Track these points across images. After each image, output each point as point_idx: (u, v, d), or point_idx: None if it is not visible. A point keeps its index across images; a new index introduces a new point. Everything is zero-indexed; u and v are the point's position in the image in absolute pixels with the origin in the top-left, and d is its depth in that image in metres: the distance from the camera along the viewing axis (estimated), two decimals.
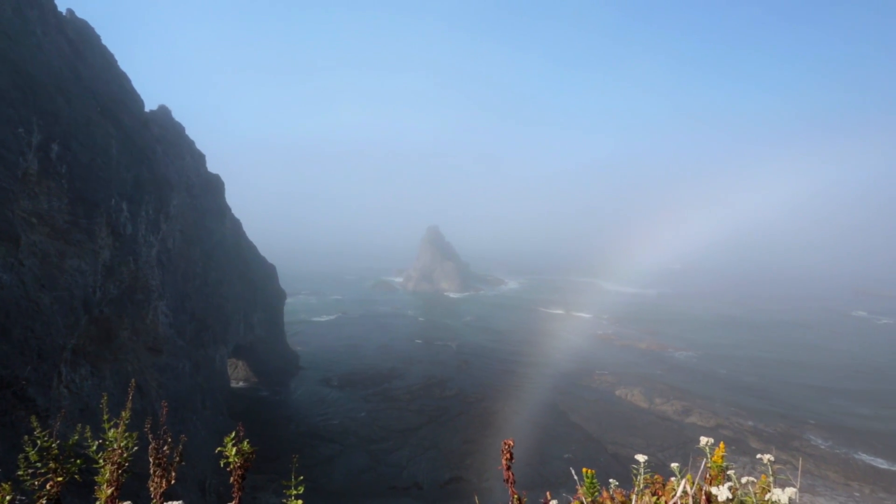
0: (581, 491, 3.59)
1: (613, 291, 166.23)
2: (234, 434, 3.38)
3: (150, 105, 49.03)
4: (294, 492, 3.72)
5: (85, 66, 33.08)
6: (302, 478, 3.86)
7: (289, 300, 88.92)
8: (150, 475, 3.30)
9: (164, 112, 53.69)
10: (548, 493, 4.02)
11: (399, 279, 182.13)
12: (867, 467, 45.82)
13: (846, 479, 43.41)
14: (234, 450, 3.34)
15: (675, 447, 48.85)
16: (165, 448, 3.39)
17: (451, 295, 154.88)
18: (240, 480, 3.46)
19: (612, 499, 3.56)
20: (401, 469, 45.02)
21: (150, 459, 3.32)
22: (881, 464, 46.74)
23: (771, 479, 3.08)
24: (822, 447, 49.81)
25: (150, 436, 3.43)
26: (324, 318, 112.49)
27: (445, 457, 47.12)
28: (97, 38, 40.03)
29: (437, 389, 64.93)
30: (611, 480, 4.33)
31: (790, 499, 2.76)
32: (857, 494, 41.11)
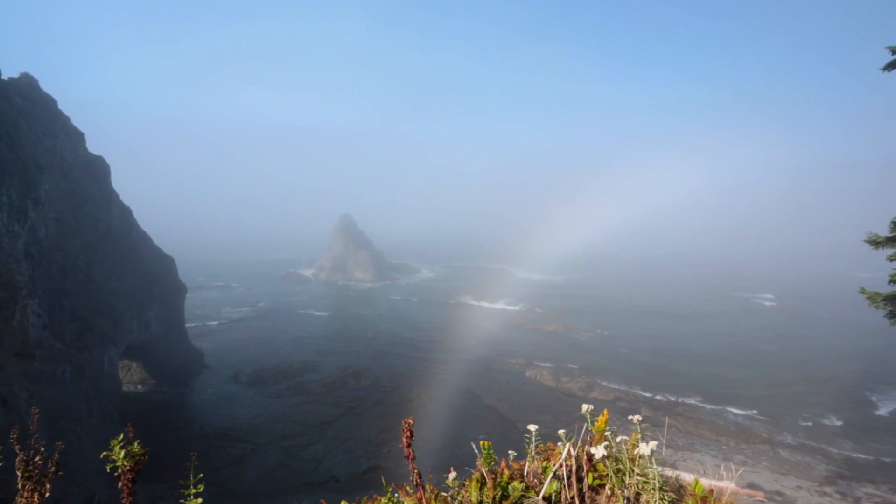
0: (479, 462, 3.87)
1: (524, 278, 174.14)
2: (122, 436, 3.19)
3: (9, 72, 42.33)
4: (193, 490, 3.61)
5: None
6: (202, 475, 3.75)
7: (191, 295, 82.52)
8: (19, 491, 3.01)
9: (28, 81, 46.64)
10: (451, 468, 4.27)
11: (311, 270, 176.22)
12: (733, 425, 52.85)
13: (717, 436, 49.80)
14: (123, 453, 3.15)
15: (580, 420, 52.89)
16: (38, 459, 3.11)
17: (366, 285, 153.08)
18: (129, 485, 3.27)
19: (509, 467, 3.89)
20: (317, 463, 44.12)
21: (18, 473, 3.03)
22: (743, 420, 54.17)
23: (639, 436, 3.56)
24: (700, 411, 56.52)
25: (16, 447, 3.11)
26: (231, 313, 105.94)
27: (363, 447, 46.94)
28: None
29: (352, 380, 64.22)
30: (510, 452, 4.70)
31: (652, 450, 3.24)
32: (725, 448, 47.36)
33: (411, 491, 3.38)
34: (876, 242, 16.77)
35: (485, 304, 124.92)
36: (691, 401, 59.01)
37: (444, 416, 52.58)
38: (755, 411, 55.93)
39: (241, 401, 57.41)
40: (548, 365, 71.85)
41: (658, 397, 59.99)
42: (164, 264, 68.32)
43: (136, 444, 3.22)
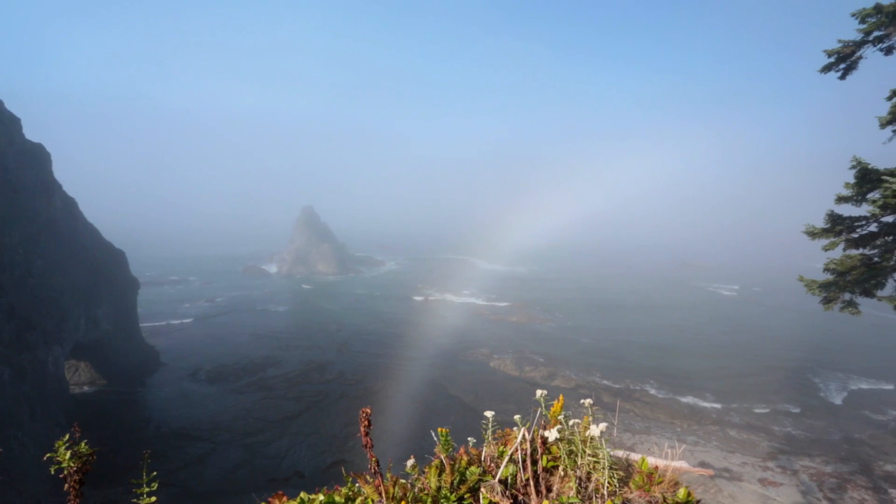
0: (438, 449, 3.96)
1: (487, 269, 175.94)
2: (67, 437, 3.08)
3: None
4: (146, 490, 3.54)
5: None
6: (155, 473, 3.68)
7: (145, 290, 79.13)
8: None
9: None
10: (412, 456, 4.35)
11: (272, 263, 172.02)
12: (686, 408, 55.46)
13: (671, 419, 52.17)
14: (69, 454, 3.05)
15: (536, 405, 54.37)
16: None
17: (329, 278, 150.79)
18: (76, 487, 3.17)
19: (468, 453, 4.00)
20: (280, 460, 43.46)
21: None
22: (695, 402, 56.94)
23: (591, 419, 3.75)
24: (656, 395, 58.94)
25: None
26: (188, 308, 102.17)
27: (327, 441, 46.55)
28: None
29: (316, 374, 63.41)
30: (469, 439, 4.81)
31: (601, 432, 3.42)
32: (678, 429, 49.69)
33: (371, 479, 3.43)
34: (813, 233, 17.92)
35: (449, 295, 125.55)
36: (648, 387, 61.41)
37: (408, 408, 52.78)
38: (707, 395, 58.86)
39: (201, 398, 55.74)
40: (511, 355, 73.11)
41: (617, 385, 62.13)
42: (114, 258, 65.09)
43: (83, 445, 3.12)
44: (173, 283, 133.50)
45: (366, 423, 3.10)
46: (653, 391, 60.48)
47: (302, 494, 2.47)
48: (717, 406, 55.85)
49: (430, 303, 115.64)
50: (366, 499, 3.12)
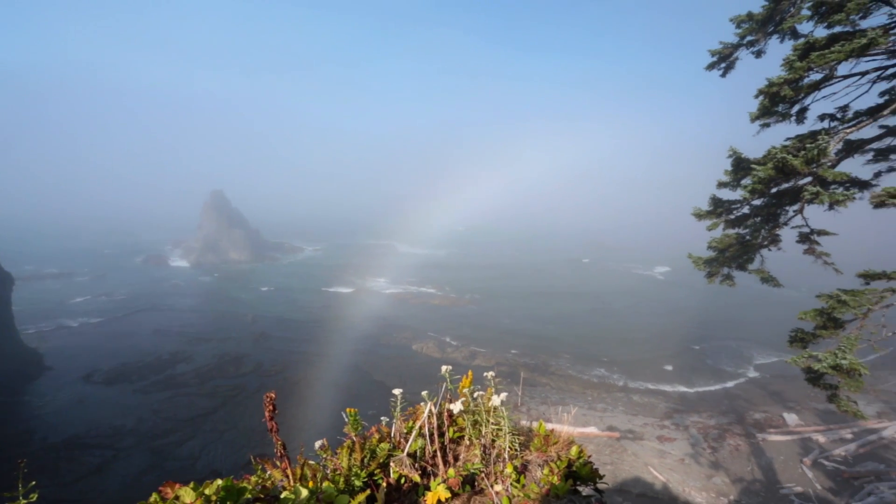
0: (347, 428, 4.04)
1: (408, 253, 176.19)
2: None
3: None
4: (23, 501, 3.28)
5: None
6: (34, 483, 3.41)
7: (24, 287, 70.13)
8: None
9: None
10: (324, 440, 4.39)
11: (177, 251, 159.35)
12: (597, 378, 59.95)
13: (583, 390, 56.17)
14: None
15: (473, 388, 56.16)
16: None
17: (243, 266, 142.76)
18: None
19: (379, 431, 4.13)
20: (194, 460, 41.00)
21: None
22: (605, 374, 61.72)
23: (493, 390, 4.02)
24: (570, 370, 62.93)
25: None
26: (80, 305, 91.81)
27: (245, 436, 44.64)
28: None
29: (231, 367, 60.25)
30: (382, 418, 4.94)
31: (502, 401, 3.70)
32: (590, 398, 53.65)
33: (279, 464, 3.44)
34: (699, 215, 19.93)
35: (370, 280, 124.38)
36: (564, 362, 65.34)
37: (332, 396, 52.02)
38: (615, 366, 63.86)
39: (98, 402, 50.79)
40: (433, 337, 74.32)
41: (534, 361, 65.50)
42: None
43: None
44: (60, 277, 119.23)
45: (270, 407, 3.09)
46: (568, 364, 64.54)
47: (194, 483, 2.43)
48: (624, 376, 60.87)
49: (351, 288, 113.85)
50: (273, 483, 3.13)
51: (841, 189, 14.27)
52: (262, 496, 2.75)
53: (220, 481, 2.62)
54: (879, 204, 11.60)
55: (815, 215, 15.79)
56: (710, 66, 20.68)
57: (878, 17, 12.92)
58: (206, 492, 2.45)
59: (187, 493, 2.31)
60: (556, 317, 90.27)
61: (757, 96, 15.59)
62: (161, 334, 73.80)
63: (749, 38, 18.49)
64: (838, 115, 15.60)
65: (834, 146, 14.31)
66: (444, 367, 4.36)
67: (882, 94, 14.55)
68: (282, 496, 2.83)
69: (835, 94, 15.21)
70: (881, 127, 14.74)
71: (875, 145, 15.25)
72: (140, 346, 67.85)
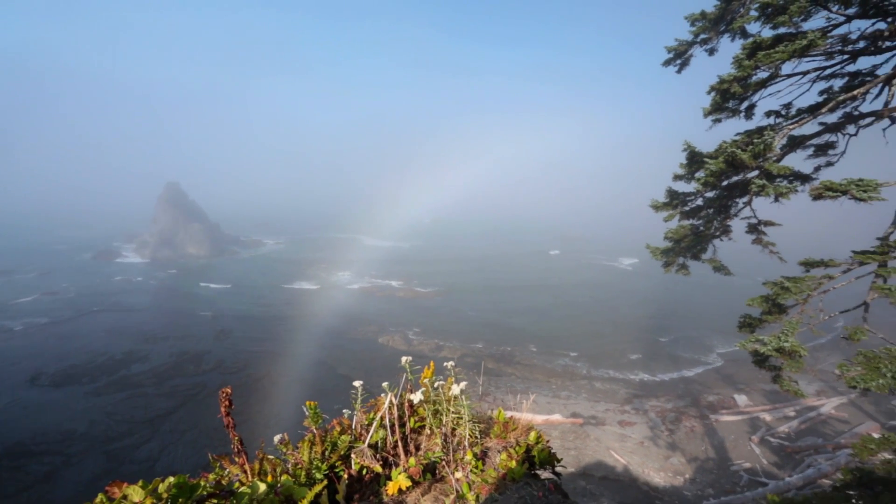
0: (307, 421, 4.02)
1: (372, 246, 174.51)
2: None
3: None
4: None
5: None
6: None
7: None
8: None
9: None
10: (285, 434, 4.35)
11: (131, 246, 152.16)
12: (560, 367, 61.37)
13: (548, 378, 57.46)
14: None
15: (435, 379, 56.38)
16: None
17: (201, 261, 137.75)
18: None
19: (340, 424, 4.13)
20: (153, 462, 39.57)
21: None
22: (569, 363, 63.26)
23: (453, 379, 4.09)
24: (535, 359, 64.16)
25: None
26: (22, 305, 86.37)
27: (208, 436, 43.41)
28: None
29: (191, 366, 58.37)
30: (344, 411, 4.93)
31: (461, 390, 3.77)
32: (554, 386, 54.96)
33: (237, 459, 3.39)
34: (656, 207, 20.64)
35: (334, 274, 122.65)
36: (528, 352, 66.54)
37: (296, 392, 51.25)
38: (577, 355, 65.48)
39: (45, 407, 48.17)
40: (399, 330, 74.18)
41: (500, 351, 66.42)
42: None
43: None
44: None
45: (227, 403, 3.04)
46: (533, 353, 65.76)
47: (143, 481, 2.36)
48: (588, 364, 62.54)
49: (314, 282, 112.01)
50: (231, 480, 3.08)
51: (785, 182, 15.05)
52: (216, 492, 2.71)
53: (171, 478, 2.56)
54: (818, 196, 12.34)
55: (763, 207, 16.67)
56: (667, 63, 21.36)
57: (818, 21, 13.67)
58: (158, 489, 2.39)
59: (136, 492, 2.25)
60: (522, 309, 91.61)
61: (709, 92, 16.25)
62: (114, 333, 70.55)
63: (703, 35, 19.20)
64: (783, 112, 16.48)
65: (779, 141, 15.11)
66: (403, 359, 4.39)
67: (821, 92, 15.42)
68: (238, 491, 2.79)
69: (779, 91, 16.04)
70: (820, 124, 15.65)
71: (815, 141, 16.20)
72: (91, 346, 64.69)
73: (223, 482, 3.13)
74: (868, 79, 14.69)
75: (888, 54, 13.81)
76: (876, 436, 14.84)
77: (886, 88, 13.67)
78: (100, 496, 2.22)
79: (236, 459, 3.41)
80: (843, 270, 13.47)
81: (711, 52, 19.75)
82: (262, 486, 2.93)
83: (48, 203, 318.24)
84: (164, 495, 2.33)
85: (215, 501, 2.61)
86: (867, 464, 15.94)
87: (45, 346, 64.90)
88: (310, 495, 2.99)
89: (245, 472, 3.19)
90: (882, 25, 13.44)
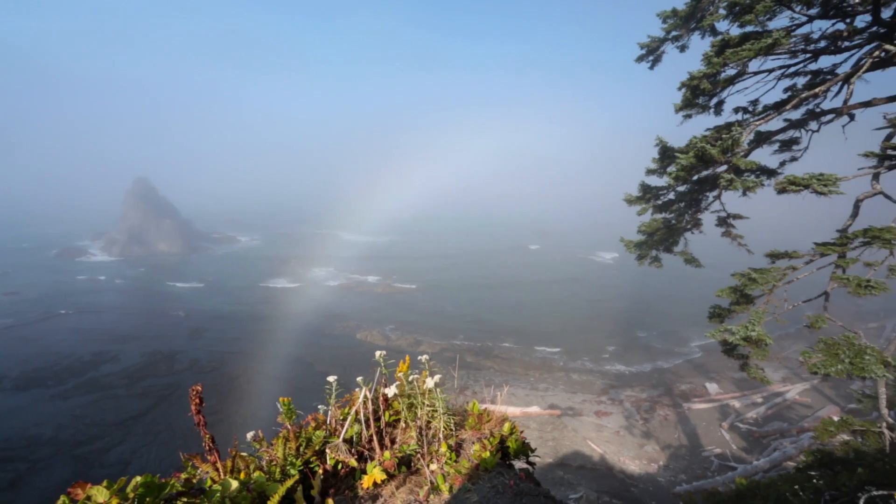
0: (281, 417, 4.00)
1: (350, 241, 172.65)
2: None
3: None
4: None
5: None
6: None
7: None
8: None
9: None
10: (259, 431, 4.31)
11: (98, 244, 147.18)
12: (538, 360, 62.13)
13: (526, 371, 58.13)
14: None
15: (410, 373, 56.38)
16: None
17: (173, 258, 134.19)
18: None
19: (315, 419, 4.12)
20: (125, 465, 38.58)
21: None
22: (547, 356, 64.10)
23: (427, 372, 4.12)
24: (513, 352, 64.78)
25: None
26: None
27: (182, 436, 42.52)
28: None
29: (164, 366, 57.02)
30: (319, 406, 4.91)
31: (436, 383, 3.80)
32: (532, 379, 55.65)
33: (209, 458, 3.35)
34: (630, 201, 21.02)
35: (311, 270, 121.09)
36: (507, 346, 67.09)
37: (274, 389, 50.54)
38: (557, 348, 66.29)
39: (7, 411, 46.41)
40: (378, 326, 73.90)
41: (478, 345, 66.82)
42: None
43: None
44: None
45: (197, 401, 3.00)
46: (511, 347, 66.37)
47: (108, 481, 2.31)
48: (566, 356, 63.45)
49: (290, 278, 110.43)
50: (202, 478, 3.05)
51: (752, 176, 15.54)
52: (186, 490, 2.67)
53: (138, 478, 2.52)
54: (782, 190, 12.77)
55: (731, 200, 17.17)
56: (640, 59, 21.73)
57: (783, 20, 14.10)
58: (125, 489, 2.34)
59: (100, 493, 2.20)
60: (501, 303, 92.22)
61: (680, 88, 16.59)
62: (81, 334, 68.29)
63: (674, 32, 19.57)
64: (750, 109, 16.96)
65: (746, 137, 15.57)
66: (378, 353, 4.40)
67: (786, 90, 15.94)
68: (209, 488, 2.76)
69: (747, 88, 16.52)
70: (785, 120, 16.18)
71: (780, 137, 16.75)
72: (56, 348, 62.50)
73: (194, 480, 3.08)
74: (829, 77, 15.25)
75: (847, 54, 14.36)
76: (835, 419, 15.52)
77: (845, 86, 14.22)
78: (62, 498, 2.17)
79: (208, 458, 3.37)
80: (806, 262, 14.00)
81: (683, 48, 20.16)
82: (235, 484, 2.90)
83: (19, 199, 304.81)
84: (131, 495, 2.29)
85: (185, 500, 2.57)
86: (827, 445, 16.69)
87: (8, 348, 62.34)
88: (281, 490, 2.97)
89: (217, 470, 3.15)
90: (841, 26, 13.97)
